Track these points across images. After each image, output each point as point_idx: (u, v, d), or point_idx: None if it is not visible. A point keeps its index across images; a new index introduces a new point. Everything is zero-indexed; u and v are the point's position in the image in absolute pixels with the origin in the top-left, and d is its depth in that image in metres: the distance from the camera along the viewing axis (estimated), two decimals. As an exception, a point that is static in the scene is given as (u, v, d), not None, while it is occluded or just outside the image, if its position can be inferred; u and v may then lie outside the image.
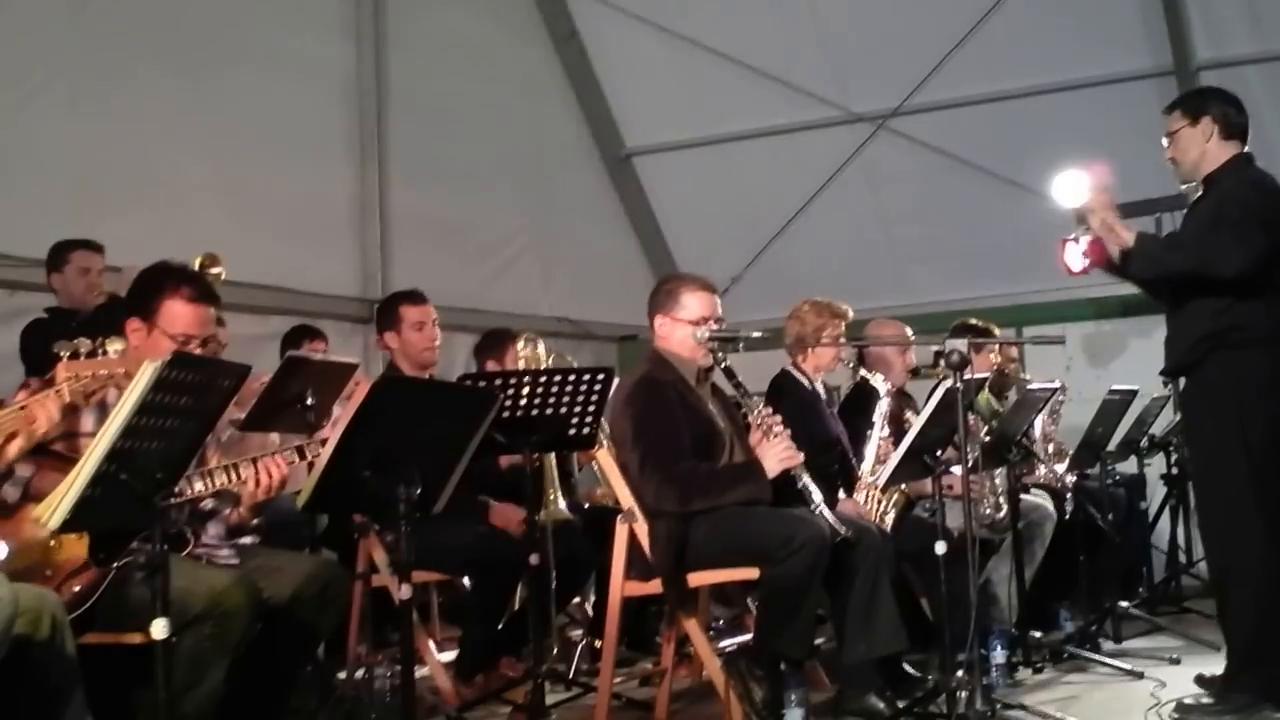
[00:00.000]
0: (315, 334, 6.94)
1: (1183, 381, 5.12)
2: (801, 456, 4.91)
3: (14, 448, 3.47)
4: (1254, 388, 4.75)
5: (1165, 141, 5.01)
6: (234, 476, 3.94)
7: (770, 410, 5.04)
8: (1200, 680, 5.00)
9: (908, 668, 5.38)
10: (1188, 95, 5.25)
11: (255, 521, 4.21)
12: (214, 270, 5.77)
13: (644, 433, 4.94)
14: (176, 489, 3.63)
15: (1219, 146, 4.88)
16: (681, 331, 5.09)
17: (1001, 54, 9.12)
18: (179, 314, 4.05)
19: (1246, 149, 4.92)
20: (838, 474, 5.86)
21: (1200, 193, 4.96)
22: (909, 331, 6.60)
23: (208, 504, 4.11)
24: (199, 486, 3.87)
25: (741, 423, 5.24)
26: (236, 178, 7.48)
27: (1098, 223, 4.92)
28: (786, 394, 6.00)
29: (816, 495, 4.86)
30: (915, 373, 6.56)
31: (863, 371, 6.19)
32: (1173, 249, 4.92)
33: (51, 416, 3.45)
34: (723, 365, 5.08)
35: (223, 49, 7.52)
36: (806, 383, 6.10)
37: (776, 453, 4.89)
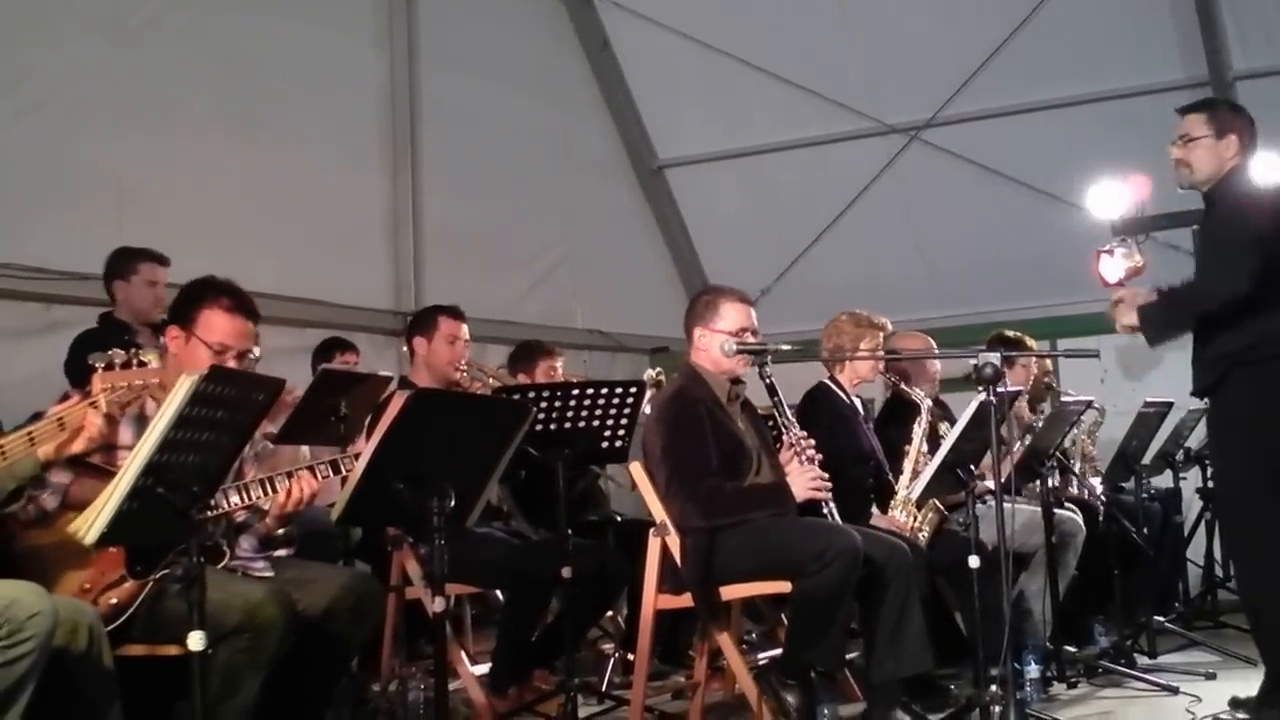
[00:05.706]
0: (347, 346, 6.96)
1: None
2: (829, 491, 4.94)
3: (78, 445, 3.49)
4: (1275, 404, 4.73)
5: (1178, 141, 4.94)
6: (269, 490, 3.97)
7: (806, 434, 5.05)
8: (1235, 703, 4.96)
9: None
10: (1216, 106, 5.11)
11: (282, 531, 4.21)
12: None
13: (672, 450, 4.97)
14: (213, 502, 3.66)
15: (1231, 163, 4.87)
16: (720, 342, 5.09)
17: (1035, 65, 9.09)
18: (217, 323, 4.09)
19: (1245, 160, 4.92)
20: (872, 488, 5.85)
21: (1203, 208, 4.99)
22: (933, 343, 6.60)
23: (241, 515, 4.13)
24: (235, 500, 3.91)
25: (770, 438, 5.23)
26: (270, 190, 7.51)
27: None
28: (823, 408, 5.97)
29: (838, 521, 4.89)
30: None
31: (904, 386, 6.19)
32: (1176, 306, 4.89)
33: (102, 427, 3.47)
34: (767, 380, 5.08)
35: (258, 63, 7.57)
36: (844, 396, 6.07)
37: (805, 480, 4.93)
